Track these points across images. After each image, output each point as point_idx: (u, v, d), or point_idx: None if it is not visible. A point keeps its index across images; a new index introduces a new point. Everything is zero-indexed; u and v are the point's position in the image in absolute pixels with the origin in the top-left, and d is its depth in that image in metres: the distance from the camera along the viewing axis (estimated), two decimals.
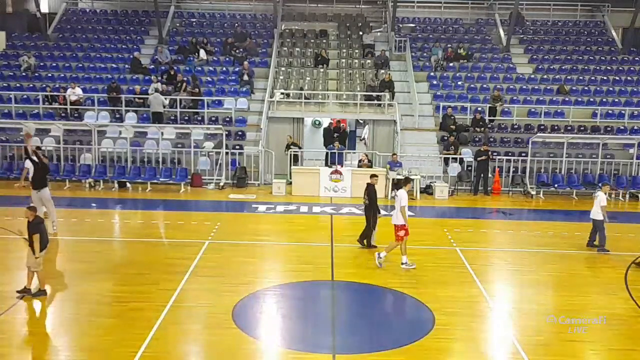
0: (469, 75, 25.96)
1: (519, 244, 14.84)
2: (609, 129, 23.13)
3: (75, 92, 23.24)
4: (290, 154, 21.50)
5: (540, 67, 26.54)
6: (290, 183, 20.51)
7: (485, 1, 29.84)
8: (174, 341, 8.88)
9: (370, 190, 13.45)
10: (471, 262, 12.61)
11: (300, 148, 22.19)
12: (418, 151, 21.79)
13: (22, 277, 10.26)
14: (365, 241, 13.60)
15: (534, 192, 20.78)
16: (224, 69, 25.87)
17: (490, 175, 21.17)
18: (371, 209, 13.45)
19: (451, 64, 26.39)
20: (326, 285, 11.51)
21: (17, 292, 10.23)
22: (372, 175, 13.73)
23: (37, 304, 10.02)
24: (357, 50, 27.18)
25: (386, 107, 23.04)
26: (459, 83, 25.47)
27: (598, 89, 25.22)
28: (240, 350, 8.66)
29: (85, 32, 28.14)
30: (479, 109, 23.51)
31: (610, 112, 24.00)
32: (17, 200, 18.44)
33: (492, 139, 22.56)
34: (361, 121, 24.97)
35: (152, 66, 25.56)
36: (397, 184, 12.65)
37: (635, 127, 23.29)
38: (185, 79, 23.95)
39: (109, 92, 23.56)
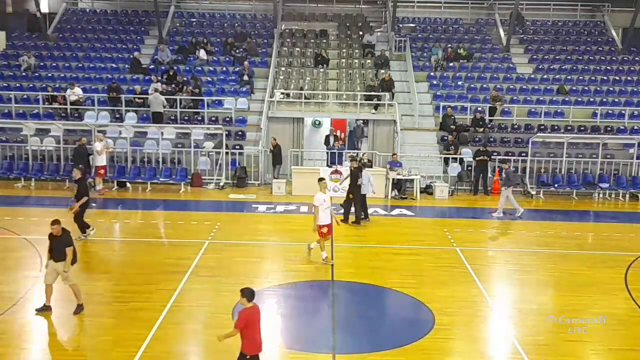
0: (469, 75, 25.94)
1: (519, 244, 14.85)
2: (609, 129, 23.11)
3: (75, 92, 23.23)
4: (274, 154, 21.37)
5: (540, 67, 26.52)
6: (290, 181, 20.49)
7: (485, 1, 29.80)
8: (174, 341, 8.88)
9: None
10: (471, 262, 12.61)
11: (271, 151, 21.49)
12: (418, 151, 21.77)
13: (21, 278, 10.24)
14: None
15: (534, 192, 20.77)
16: (224, 69, 25.86)
17: (490, 175, 21.17)
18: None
19: (451, 64, 26.36)
20: (326, 285, 11.52)
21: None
22: (352, 159, 16.52)
23: (36, 304, 10.00)
24: (357, 50, 27.17)
25: (386, 107, 23.04)
26: (459, 83, 25.44)
27: (598, 89, 25.19)
28: None
29: (85, 32, 28.11)
30: (479, 108, 23.50)
31: (610, 112, 23.98)
32: (18, 200, 18.51)
33: (492, 139, 22.56)
34: (360, 122, 24.81)
35: (152, 66, 25.54)
36: None
37: (635, 127, 23.27)
38: (185, 79, 23.95)
39: (109, 92, 23.54)
